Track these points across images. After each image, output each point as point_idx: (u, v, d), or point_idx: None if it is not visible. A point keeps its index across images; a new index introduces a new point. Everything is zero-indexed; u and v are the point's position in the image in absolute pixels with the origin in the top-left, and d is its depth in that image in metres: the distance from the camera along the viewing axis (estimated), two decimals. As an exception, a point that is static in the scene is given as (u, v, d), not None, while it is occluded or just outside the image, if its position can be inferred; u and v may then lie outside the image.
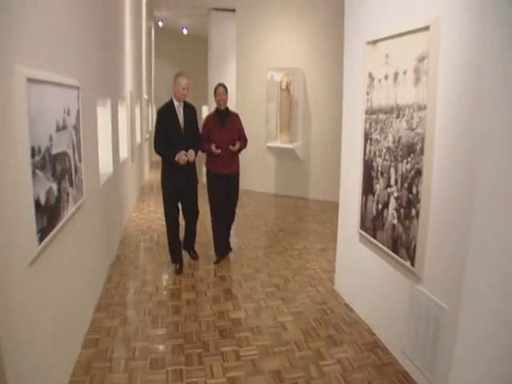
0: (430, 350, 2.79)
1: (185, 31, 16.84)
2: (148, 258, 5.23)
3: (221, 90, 4.85)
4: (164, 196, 4.74)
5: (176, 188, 4.62)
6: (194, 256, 5.17)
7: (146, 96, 11.50)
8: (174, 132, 4.51)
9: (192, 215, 4.95)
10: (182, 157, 4.42)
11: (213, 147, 4.75)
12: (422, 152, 2.81)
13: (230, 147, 4.79)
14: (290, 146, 8.55)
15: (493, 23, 2.28)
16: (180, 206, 4.85)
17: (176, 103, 4.58)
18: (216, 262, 5.08)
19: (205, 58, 14.35)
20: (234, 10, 10.18)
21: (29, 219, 2.03)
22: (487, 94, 2.33)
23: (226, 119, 4.91)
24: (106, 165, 4.83)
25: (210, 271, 4.81)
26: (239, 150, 4.98)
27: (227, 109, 4.97)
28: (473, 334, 2.57)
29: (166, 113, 4.57)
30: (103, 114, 4.74)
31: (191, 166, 4.65)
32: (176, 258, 4.81)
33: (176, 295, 4.17)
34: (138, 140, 9.02)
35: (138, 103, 9.10)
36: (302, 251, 5.51)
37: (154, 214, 7.29)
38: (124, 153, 6.42)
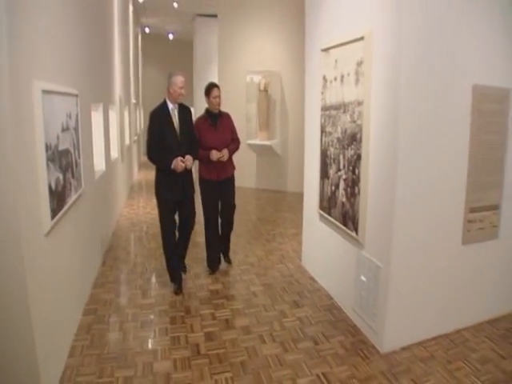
0: (371, 303, 3.44)
1: (171, 36, 17.34)
2: (138, 245, 5.85)
3: (217, 91, 4.49)
4: (160, 208, 4.28)
5: (173, 198, 4.19)
6: (183, 270, 4.73)
7: (133, 100, 12.08)
8: (168, 137, 4.09)
9: (188, 228, 4.52)
10: (179, 164, 4.00)
11: (215, 154, 4.44)
12: (361, 140, 3.47)
13: (220, 156, 4.45)
14: (268, 143, 9.23)
15: (407, 35, 3.00)
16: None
17: (170, 105, 4.15)
18: (212, 273, 4.82)
19: (190, 61, 14.91)
20: (217, 16, 10.76)
21: (45, 199, 2.65)
22: (406, 91, 3.05)
23: (218, 121, 4.58)
24: (99, 163, 5.41)
25: (193, 253, 5.35)
26: (233, 153, 4.68)
27: (219, 110, 4.62)
28: (401, 285, 3.28)
29: (159, 116, 4.11)
30: (96, 118, 5.29)
31: (188, 173, 4.22)
32: (176, 276, 4.37)
33: (163, 274, 4.78)
34: (127, 142, 9.61)
35: (126, 107, 9.68)
36: (277, 236, 6.19)
37: (143, 209, 7.94)
38: (115, 153, 7.02)
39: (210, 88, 4.51)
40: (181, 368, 3.07)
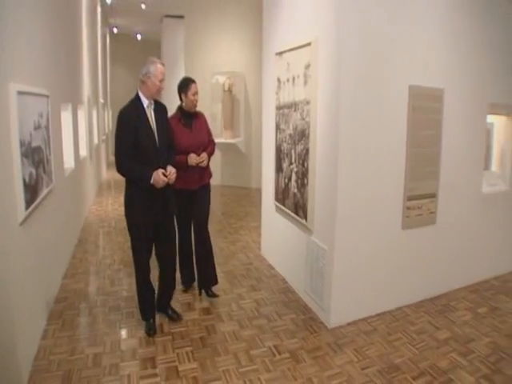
0: (319, 284, 3.81)
1: (139, 37, 17.46)
2: (107, 239, 6.09)
3: (195, 87, 3.86)
4: (132, 233, 3.41)
5: (149, 219, 3.35)
6: (175, 316, 3.78)
7: (102, 100, 12.21)
8: (145, 143, 3.24)
9: (170, 257, 3.69)
10: (161, 178, 3.19)
11: (194, 158, 3.81)
12: (309, 136, 3.84)
13: (200, 160, 3.83)
14: (233, 141, 9.61)
15: (347, 41, 3.38)
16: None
17: (145, 101, 3.31)
18: (185, 291, 4.33)
19: (158, 62, 15.07)
20: (183, 17, 11.02)
21: (19, 190, 2.91)
22: (346, 92, 3.43)
23: (193, 121, 3.95)
24: (69, 160, 5.61)
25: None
26: (210, 156, 4.03)
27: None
28: (345, 266, 3.66)
29: (132, 116, 3.24)
30: (65, 117, 5.48)
31: (169, 187, 3.37)
32: (149, 313, 3.61)
33: (129, 264, 5.01)
34: (96, 141, 9.77)
35: (94, 107, 9.83)
36: (238, 228, 6.57)
37: (111, 206, 8.18)
38: (83, 151, 7.22)
39: (189, 84, 3.84)
40: (146, 344, 3.37)
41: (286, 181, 4.38)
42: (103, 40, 13.30)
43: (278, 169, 4.60)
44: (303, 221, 4.00)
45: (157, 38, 15.62)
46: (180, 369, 3.06)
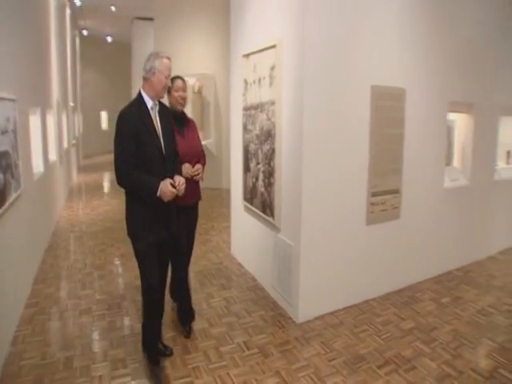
0: (287, 280, 3.89)
1: (109, 39, 17.36)
2: (78, 243, 6.06)
3: (181, 83, 3.50)
4: (140, 255, 2.98)
5: (157, 239, 2.98)
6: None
7: (72, 103, 12.09)
8: (150, 150, 2.84)
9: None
10: (169, 189, 2.78)
11: (189, 169, 3.40)
12: (275, 136, 3.92)
13: (195, 173, 3.42)
14: (203, 142, 9.54)
15: (310, 43, 3.48)
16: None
17: (149, 102, 2.90)
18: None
19: (129, 64, 15.03)
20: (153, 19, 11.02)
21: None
22: (309, 92, 3.53)
23: (184, 126, 3.54)
24: (37, 165, 5.58)
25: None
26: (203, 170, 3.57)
27: (184, 112, 3.60)
28: (311, 262, 3.76)
29: (135, 119, 2.81)
30: (34, 122, 5.44)
31: (174, 203, 2.99)
32: (155, 351, 3.15)
33: (100, 268, 5.06)
34: (66, 145, 9.69)
35: (64, 111, 9.75)
36: (209, 229, 6.63)
37: (82, 210, 8.13)
38: (53, 156, 7.16)
39: (173, 80, 3.44)
40: (117, 345, 3.40)
41: (254, 180, 4.46)
42: (73, 43, 13.18)
43: (246, 169, 4.67)
44: (270, 219, 4.08)
45: (127, 41, 15.57)
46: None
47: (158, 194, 2.78)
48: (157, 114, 2.93)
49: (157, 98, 2.94)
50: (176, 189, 2.84)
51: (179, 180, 2.90)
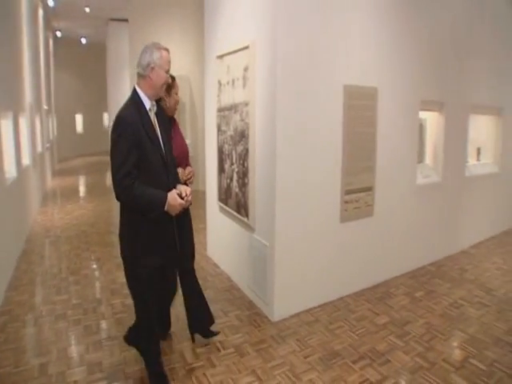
0: (262, 279, 3.92)
1: (84, 41, 17.17)
2: (53, 248, 5.99)
3: (177, 85, 3.18)
4: (137, 280, 2.65)
5: (165, 257, 2.68)
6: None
7: (45, 106, 11.92)
8: (152, 157, 2.51)
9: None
10: (178, 202, 2.54)
11: (181, 173, 3.09)
12: (248, 136, 3.95)
13: (188, 176, 3.16)
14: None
15: (282, 44, 3.51)
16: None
17: (147, 103, 2.58)
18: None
19: (104, 66, 14.89)
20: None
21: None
22: (281, 93, 3.55)
23: (172, 127, 3.19)
24: (10, 170, 5.49)
25: (107, 252, 5.63)
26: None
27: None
28: (286, 260, 3.79)
29: (136, 123, 2.47)
30: (5, 126, 5.36)
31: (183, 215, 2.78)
32: (160, 369, 2.88)
33: (76, 272, 5.00)
34: (40, 149, 9.55)
35: (37, 114, 9.60)
36: (187, 230, 6.56)
37: (57, 215, 8.01)
38: (26, 160, 7.05)
39: (172, 79, 3.11)
40: (93, 350, 3.37)
41: (228, 181, 4.47)
42: (46, 44, 13.01)
43: (221, 169, 4.68)
44: (245, 219, 4.10)
45: (102, 42, 15.43)
46: (127, 371, 3.09)
47: (166, 208, 2.50)
48: (155, 117, 2.63)
49: (155, 97, 2.64)
50: (184, 199, 2.59)
51: (185, 190, 2.64)
